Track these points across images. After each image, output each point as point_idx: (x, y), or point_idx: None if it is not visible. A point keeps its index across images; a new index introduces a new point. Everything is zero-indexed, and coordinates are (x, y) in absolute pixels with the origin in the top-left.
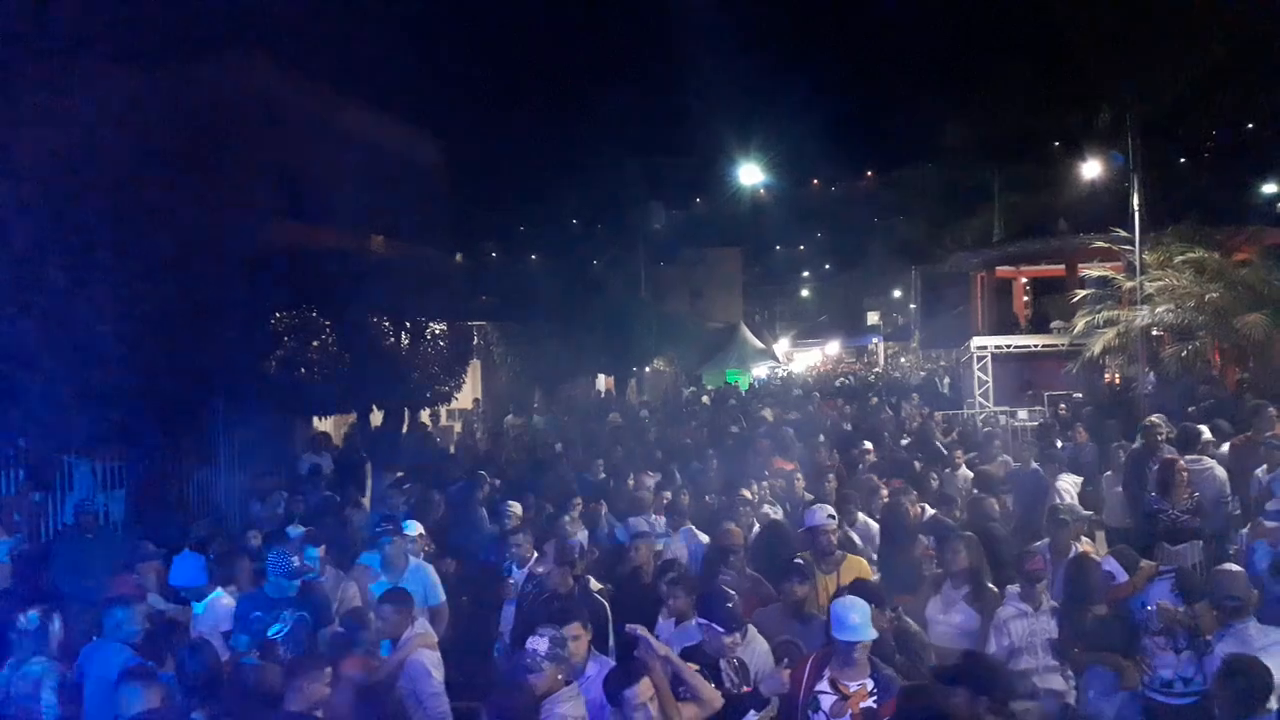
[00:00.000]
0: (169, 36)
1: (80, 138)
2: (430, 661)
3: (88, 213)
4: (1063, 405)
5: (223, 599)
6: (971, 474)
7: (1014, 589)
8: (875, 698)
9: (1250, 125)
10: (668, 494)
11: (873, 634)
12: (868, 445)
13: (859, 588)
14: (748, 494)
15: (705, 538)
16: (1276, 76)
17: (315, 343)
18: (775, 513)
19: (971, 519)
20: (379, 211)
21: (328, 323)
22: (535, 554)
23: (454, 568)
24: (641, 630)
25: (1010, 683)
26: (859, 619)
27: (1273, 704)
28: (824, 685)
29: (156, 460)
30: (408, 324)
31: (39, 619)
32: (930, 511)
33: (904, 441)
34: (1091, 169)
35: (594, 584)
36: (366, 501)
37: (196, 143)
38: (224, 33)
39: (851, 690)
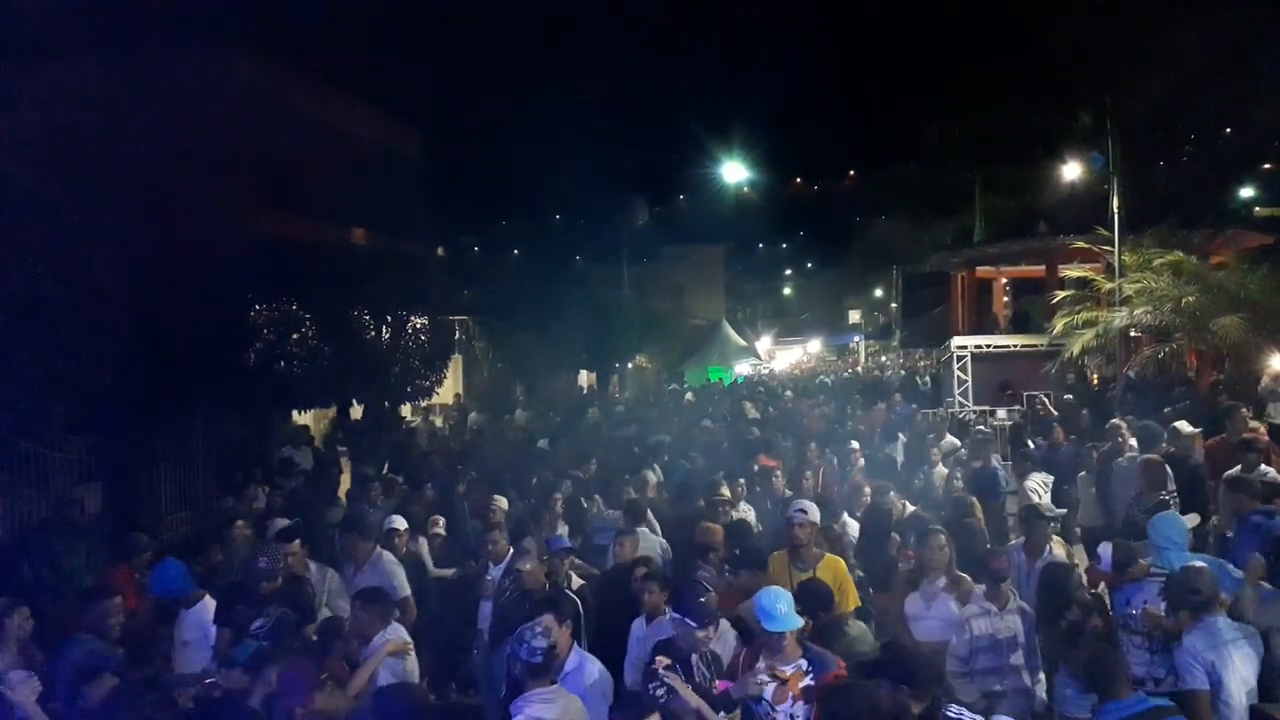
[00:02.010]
0: (148, 24)
1: (53, 125)
2: (395, 672)
3: (62, 201)
4: (1040, 402)
5: (208, 606)
6: (947, 472)
7: (980, 588)
8: (811, 675)
9: (1228, 130)
10: (630, 490)
11: (798, 622)
12: (855, 445)
13: (807, 586)
14: (726, 493)
15: (658, 540)
16: (1254, 82)
17: (295, 335)
18: (747, 513)
19: (950, 515)
20: (361, 204)
21: (308, 315)
22: (511, 550)
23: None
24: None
25: (930, 671)
26: (785, 608)
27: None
28: (762, 676)
29: (133, 453)
30: (389, 318)
31: None
32: (911, 509)
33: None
34: (1072, 171)
35: (575, 581)
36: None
37: (174, 132)
38: (204, 21)
39: (788, 674)
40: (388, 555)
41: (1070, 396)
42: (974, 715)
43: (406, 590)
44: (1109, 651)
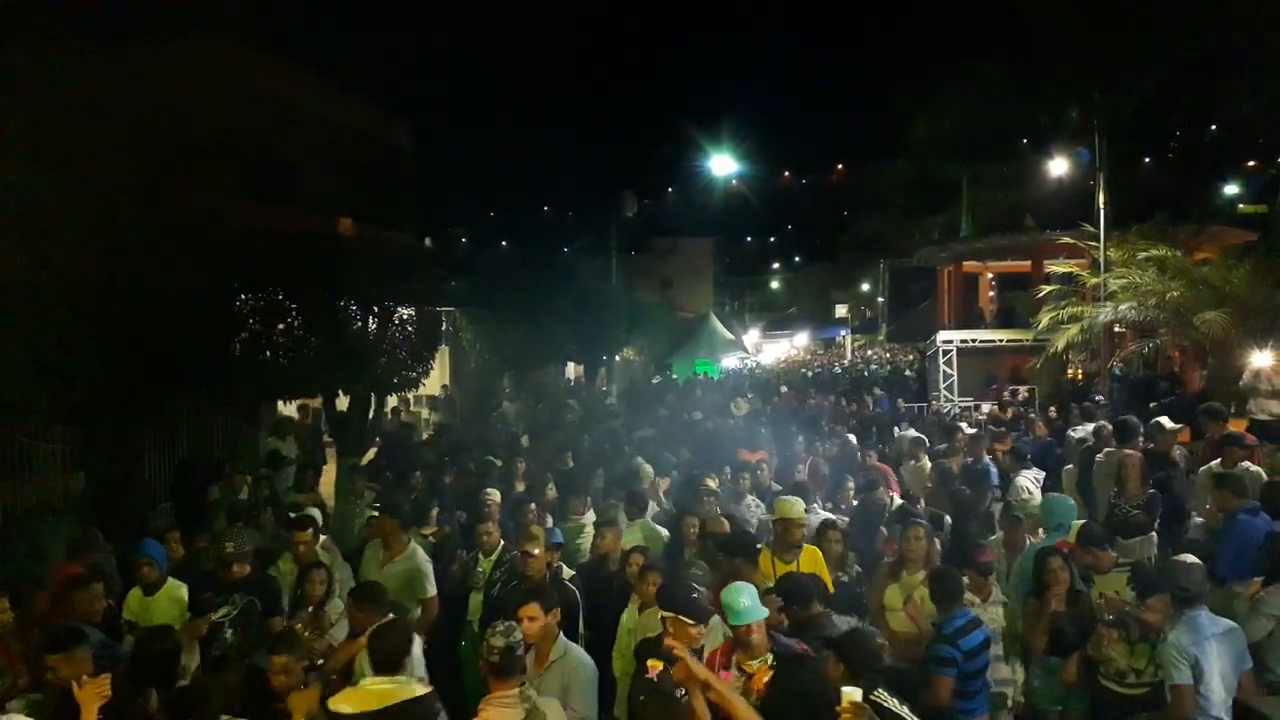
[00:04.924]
0: (135, 12)
1: (41, 115)
2: None
3: (49, 190)
4: (1024, 392)
5: (179, 591)
6: (929, 465)
7: (963, 580)
8: (776, 668)
9: (1213, 127)
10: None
11: (762, 612)
12: (851, 439)
13: (789, 581)
14: (712, 484)
15: (663, 531)
16: (1239, 80)
17: (281, 325)
18: (757, 508)
19: (932, 508)
20: (348, 194)
21: (294, 305)
22: (503, 543)
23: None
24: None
25: (868, 654)
26: (748, 601)
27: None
28: (731, 672)
29: (118, 443)
30: (375, 308)
31: None
32: (898, 501)
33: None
34: (1058, 167)
35: (566, 571)
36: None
37: (161, 120)
38: (191, 11)
39: (755, 668)
40: (421, 552)
41: (1100, 398)
42: (900, 703)
43: (433, 590)
44: (950, 573)
